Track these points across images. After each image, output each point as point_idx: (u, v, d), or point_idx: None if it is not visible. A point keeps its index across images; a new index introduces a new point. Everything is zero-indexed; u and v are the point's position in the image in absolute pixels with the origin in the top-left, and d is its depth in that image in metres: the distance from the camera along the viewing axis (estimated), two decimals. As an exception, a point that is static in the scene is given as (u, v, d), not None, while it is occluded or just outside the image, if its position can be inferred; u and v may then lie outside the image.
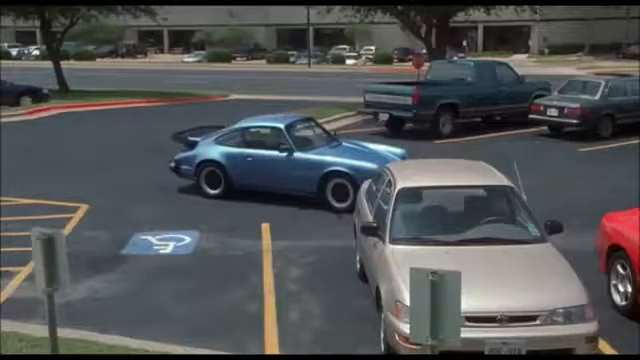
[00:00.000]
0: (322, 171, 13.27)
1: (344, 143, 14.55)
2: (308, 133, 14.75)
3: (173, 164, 14.83)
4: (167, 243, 11.55)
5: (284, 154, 13.70)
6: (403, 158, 13.83)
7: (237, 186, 14.29)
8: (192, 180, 14.64)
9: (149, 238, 11.80)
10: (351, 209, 12.38)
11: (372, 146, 14.56)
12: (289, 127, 14.16)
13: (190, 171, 14.56)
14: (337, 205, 13.19)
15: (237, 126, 14.78)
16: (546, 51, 75.84)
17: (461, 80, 23.43)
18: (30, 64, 68.64)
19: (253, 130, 14.69)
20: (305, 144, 14.07)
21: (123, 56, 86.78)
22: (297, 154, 13.68)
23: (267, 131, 14.47)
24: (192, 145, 14.71)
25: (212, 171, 14.33)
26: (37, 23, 38.75)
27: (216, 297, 9.28)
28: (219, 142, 14.50)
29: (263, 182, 14.07)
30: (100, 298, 9.32)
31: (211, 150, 14.41)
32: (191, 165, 14.53)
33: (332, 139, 14.68)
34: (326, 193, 13.29)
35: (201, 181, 14.43)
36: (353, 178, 12.84)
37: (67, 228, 12.08)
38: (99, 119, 27.32)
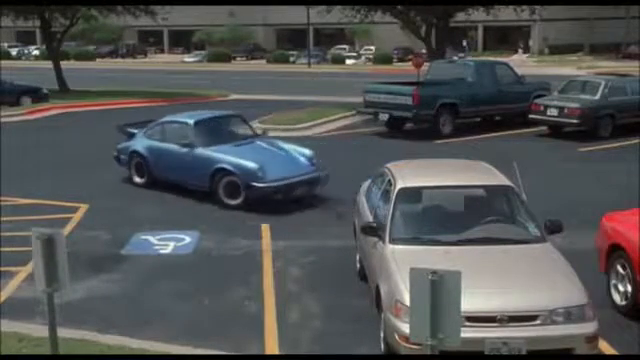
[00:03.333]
0: (212, 168, 13.61)
1: (257, 142, 14.56)
2: (224, 130, 14.97)
3: (115, 153, 15.85)
4: (167, 243, 11.55)
5: (186, 149, 14.17)
6: (310, 159, 13.96)
7: (156, 178, 15.04)
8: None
9: (149, 238, 11.80)
10: (241, 207, 13.17)
11: (286, 146, 14.50)
12: (199, 123, 14.60)
13: (125, 160, 15.54)
14: (228, 201, 13.51)
15: (160, 120, 15.57)
16: (546, 51, 75.82)
17: (461, 80, 23.40)
18: (30, 64, 68.61)
19: (168, 125, 15.22)
20: (212, 141, 14.18)
21: (123, 56, 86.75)
22: (198, 150, 14.02)
23: (178, 126, 14.88)
24: (131, 136, 15.72)
25: (139, 162, 15.21)
26: (37, 23, 38.73)
27: (216, 297, 9.28)
28: (146, 135, 15.37)
29: (173, 176, 14.68)
30: (100, 298, 9.32)
31: (139, 142, 15.33)
32: (125, 155, 15.51)
33: (250, 137, 14.82)
34: (217, 190, 13.62)
35: (131, 170, 15.41)
36: (239, 176, 13.26)
37: (67, 228, 12.08)
38: (99, 119, 27.30)
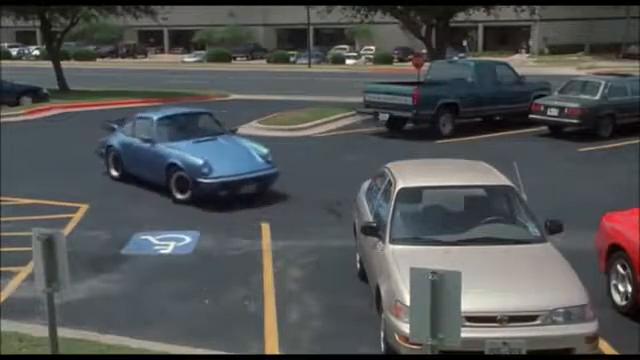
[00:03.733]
0: (166, 163, 14.01)
1: (219, 139, 14.81)
2: (188, 126, 15.28)
3: (97, 147, 16.46)
4: (167, 243, 11.55)
5: (148, 145, 14.64)
6: (265, 157, 14.19)
7: (128, 171, 15.56)
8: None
9: (149, 238, 11.80)
10: (189, 201, 13.50)
11: (246, 144, 14.78)
12: (162, 119, 15.10)
13: (104, 154, 16.19)
14: (178, 196, 13.90)
15: (133, 115, 16.15)
16: (546, 51, 75.80)
17: (461, 80, 23.39)
18: (30, 64, 68.62)
19: (138, 120, 15.65)
20: (173, 137, 14.64)
21: (123, 56, 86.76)
22: (157, 145, 14.46)
23: (145, 122, 15.31)
24: (112, 131, 16.37)
25: (115, 156, 15.83)
26: (37, 23, 38.75)
27: (216, 297, 9.28)
28: (121, 130, 16.01)
29: (137, 170, 15.26)
30: (100, 298, 9.32)
31: (115, 137, 16.00)
32: (104, 149, 16.19)
33: (215, 134, 15.05)
34: (170, 184, 14.00)
35: (108, 164, 15.99)
36: (186, 171, 13.63)
37: (67, 228, 12.08)
38: (99, 119, 27.20)
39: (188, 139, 14.51)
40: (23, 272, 9.88)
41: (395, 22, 35.15)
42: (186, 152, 13.92)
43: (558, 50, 73.38)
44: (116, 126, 16.41)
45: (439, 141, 21.08)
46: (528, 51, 77.80)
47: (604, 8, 64.77)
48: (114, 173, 15.85)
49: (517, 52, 76.44)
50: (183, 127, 15.23)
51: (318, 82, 45.36)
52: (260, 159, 14.14)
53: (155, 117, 15.18)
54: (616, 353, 7.54)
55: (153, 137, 14.65)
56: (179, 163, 13.77)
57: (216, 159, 13.69)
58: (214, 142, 14.62)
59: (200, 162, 13.48)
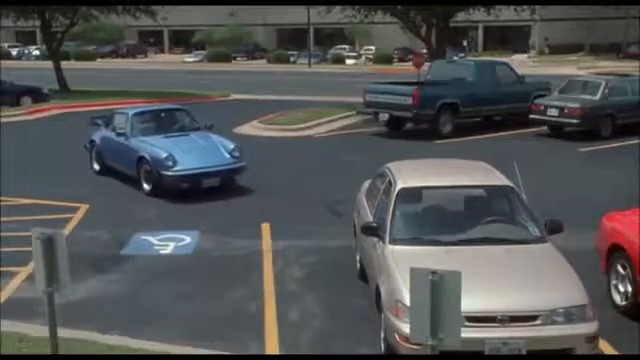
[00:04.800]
0: (136, 156, 14.65)
1: (191, 135, 15.35)
2: (162, 122, 15.92)
3: (84, 143, 17.16)
4: (167, 243, 11.55)
5: (122, 138, 15.33)
6: (231, 152, 14.64)
7: (107, 165, 16.32)
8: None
9: (149, 238, 11.80)
10: (154, 193, 14.31)
11: (215, 139, 15.18)
12: (136, 115, 15.81)
13: (88, 149, 16.93)
14: (146, 188, 14.55)
15: (113, 111, 16.92)
16: (546, 51, 75.79)
17: (461, 80, 23.40)
18: (30, 64, 68.61)
19: (117, 115, 16.27)
20: (146, 131, 15.34)
21: (124, 56, 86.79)
22: (130, 140, 15.13)
23: (122, 117, 15.93)
24: (97, 126, 17.06)
25: (97, 150, 16.58)
26: (37, 23, 38.76)
27: (216, 297, 9.28)
28: (104, 125, 16.66)
29: (114, 163, 15.97)
30: (100, 298, 9.32)
31: (98, 132, 16.73)
32: (88, 144, 16.98)
33: (189, 130, 15.63)
34: (140, 176, 14.68)
35: (92, 158, 16.72)
36: (152, 164, 14.26)
37: (67, 228, 12.08)
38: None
39: (160, 134, 15.15)
40: (23, 272, 9.88)
41: (395, 22, 35.15)
42: (154, 146, 14.50)
43: (558, 50, 73.38)
44: (100, 122, 17.02)
45: (439, 141, 21.08)
46: (533, 50, 77.70)
47: (604, 8, 64.78)
48: (96, 167, 16.58)
49: (523, 52, 76.26)
50: (156, 122, 15.87)
51: (318, 82, 45.36)
52: (226, 154, 14.59)
53: (130, 112, 15.86)
54: (616, 353, 7.54)
55: (127, 131, 15.31)
56: (147, 156, 14.37)
57: (181, 153, 14.26)
58: (184, 137, 15.18)
59: (164, 155, 14.07)
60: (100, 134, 16.57)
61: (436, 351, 4.97)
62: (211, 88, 39.11)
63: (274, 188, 15.14)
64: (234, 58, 79.85)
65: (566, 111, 21.09)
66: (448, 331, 4.89)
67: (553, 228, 8.12)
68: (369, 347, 7.63)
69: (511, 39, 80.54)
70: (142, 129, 15.43)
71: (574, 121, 21.02)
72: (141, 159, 14.56)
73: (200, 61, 77.20)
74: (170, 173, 14.04)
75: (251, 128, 24.10)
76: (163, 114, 16.49)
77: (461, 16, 32.74)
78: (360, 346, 7.75)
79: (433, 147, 20.18)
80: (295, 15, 72.07)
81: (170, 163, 14.02)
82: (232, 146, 14.84)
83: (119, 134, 15.44)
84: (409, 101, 21.57)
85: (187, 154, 14.35)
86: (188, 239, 11.72)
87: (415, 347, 6.23)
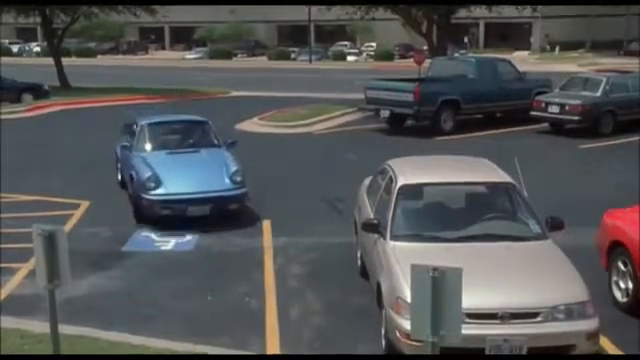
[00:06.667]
0: (129, 173, 12.97)
1: (202, 151, 13.37)
2: (176, 136, 14.16)
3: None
4: (168, 240, 11.55)
5: (126, 152, 13.67)
6: (231, 176, 12.39)
7: (122, 179, 14.65)
8: None
9: (150, 235, 11.80)
10: (137, 219, 12.36)
11: (226, 159, 12.97)
12: (150, 126, 14.02)
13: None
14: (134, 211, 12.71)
15: (134, 121, 14.92)
16: (547, 48, 75.70)
17: (462, 77, 23.39)
18: (31, 61, 68.59)
19: (134, 126, 14.51)
20: (155, 145, 13.58)
21: (124, 53, 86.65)
22: (133, 153, 13.36)
23: (134, 127, 14.39)
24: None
25: (116, 160, 15.05)
26: (38, 20, 38.74)
27: (217, 294, 9.29)
28: (125, 132, 15.11)
29: (124, 179, 14.15)
30: (101, 295, 9.33)
31: (119, 143, 14.80)
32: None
33: (204, 145, 13.65)
34: (130, 196, 13.02)
35: (116, 168, 15.10)
36: (136, 184, 12.37)
37: (68, 225, 12.08)
38: (100, 116, 27.30)
39: (167, 148, 13.45)
40: (24, 269, 9.89)
41: (396, 19, 35.14)
42: (145, 162, 12.66)
43: (559, 47, 73.25)
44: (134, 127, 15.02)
45: (440, 138, 21.07)
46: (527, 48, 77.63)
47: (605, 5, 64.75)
48: (119, 177, 14.95)
49: (527, 49, 76.05)
50: (168, 135, 14.15)
51: (319, 79, 45.33)
52: (226, 178, 12.34)
53: (141, 122, 14.17)
54: (617, 349, 7.54)
55: (132, 144, 13.65)
56: (134, 174, 12.58)
57: (172, 174, 12.30)
58: (191, 155, 13.28)
59: (146, 174, 12.16)
60: (120, 145, 14.64)
61: (437, 348, 4.97)
62: (211, 85, 39.06)
63: (275, 185, 15.13)
64: (235, 55, 79.76)
65: (567, 108, 21.07)
66: (449, 328, 4.89)
67: (554, 225, 8.12)
68: (370, 344, 7.63)
69: (512, 36, 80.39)
70: (147, 142, 13.65)
71: (575, 118, 21.00)
72: (131, 177, 12.78)
73: (201, 58, 77.12)
74: (148, 196, 11.95)
75: (252, 125, 24.10)
76: (178, 126, 14.60)
77: (462, 12, 32.71)
78: (361, 343, 7.75)
79: (434, 144, 20.16)
80: (296, 12, 71.96)
81: (152, 184, 12.01)
82: (234, 169, 12.54)
83: (124, 147, 13.81)
84: (410, 98, 21.55)
85: (179, 176, 12.32)
86: (189, 236, 11.71)
87: (416, 344, 6.23)
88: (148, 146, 13.60)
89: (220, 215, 12.13)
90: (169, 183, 12.12)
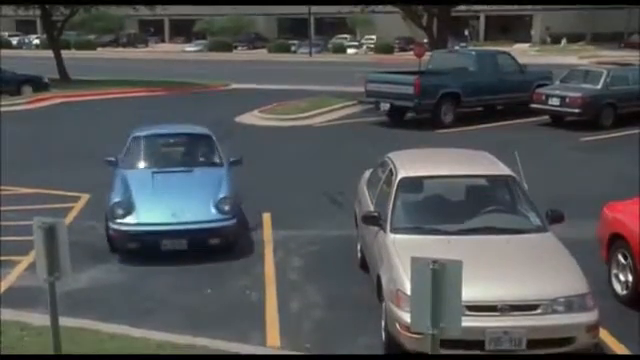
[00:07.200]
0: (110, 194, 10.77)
1: (196, 171, 11.27)
2: (170, 151, 12.47)
3: None
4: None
5: (112, 168, 11.82)
6: (217, 205, 10.32)
7: None
8: None
9: (150, 227, 11.77)
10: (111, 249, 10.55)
11: (221, 181, 10.91)
12: (138, 139, 12.04)
13: None
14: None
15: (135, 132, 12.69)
16: (548, 40, 75.60)
17: (463, 69, 23.37)
18: (31, 53, 68.52)
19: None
20: (137, 162, 11.69)
21: (124, 45, 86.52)
22: (117, 170, 11.53)
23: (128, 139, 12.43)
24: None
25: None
26: (37, 12, 38.70)
27: (217, 287, 9.29)
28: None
29: None
30: (101, 287, 9.34)
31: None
32: None
33: (198, 163, 11.73)
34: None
35: None
36: (107, 211, 10.46)
37: (68, 217, 12.08)
38: (100, 108, 27.30)
39: (156, 166, 11.44)
40: (25, 261, 9.89)
41: (396, 11, 35.09)
42: (120, 184, 10.84)
43: (560, 39, 73.15)
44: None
45: (440, 131, 21.06)
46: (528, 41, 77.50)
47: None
48: None
49: (526, 42, 75.89)
50: (161, 150, 12.33)
51: (319, 71, 45.28)
52: (212, 208, 10.32)
53: (133, 134, 12.23)
54: (616, 342, 7.55)
55: (117, 159, 11.84)
56: (111, 198, 10.58)
57: (150, 199, 10.40)
58: (181, 175, 11.09)
59: (115, 199, 10.34)
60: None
61: (437, 340, 4.98)
62: (211, 77, 39.03)
63: (275, 178, 15.13)
64: (235, 48, 79.66)
65: (567, 100, 21.05)
66: (449, 320, 4.89)
67: (554, 218, 8.12)
68: (370, 336, 7.64)
69: (513, 29, 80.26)
70: (135, 158, 11.73)
71: (575, 110, 20.98)
72: (108, 199, 10.64)
73: (201, 51, 77.05)
74: (115, 226, 10.12)
75: (252, 117, 24.08)
76: (175, 139, 12.57)
77: (463, 5, 32.66)
78: (361, 336, 7.76)
79: (434, 137, 20.15)
80: (296, 4, 71.82)
81: (120, 211, 10.14)
82: (222, 195, 10.47)
83: (109, 162, 11.92)
84: (410, 90, 21.53)
85: (157, 202, 10.35)
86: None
87: (416, 336, 6.24)
88: (133, 162, 11.63)
89: (200, 250, 10.18)
90: (142, 210, 10.21)
